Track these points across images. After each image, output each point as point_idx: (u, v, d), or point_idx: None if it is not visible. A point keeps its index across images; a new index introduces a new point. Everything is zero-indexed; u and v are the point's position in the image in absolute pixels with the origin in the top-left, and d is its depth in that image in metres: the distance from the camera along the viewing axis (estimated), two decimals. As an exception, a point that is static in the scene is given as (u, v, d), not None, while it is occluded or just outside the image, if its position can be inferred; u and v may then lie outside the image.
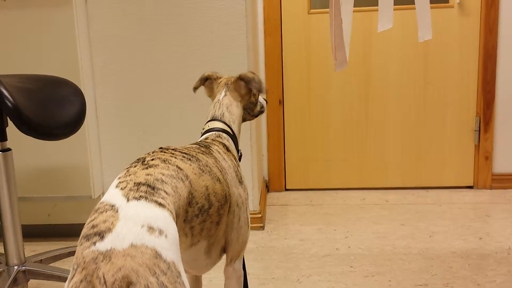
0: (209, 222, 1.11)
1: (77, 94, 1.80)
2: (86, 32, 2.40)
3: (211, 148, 1.26)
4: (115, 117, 2.49)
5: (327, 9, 3.10)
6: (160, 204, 0.87)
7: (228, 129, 1.41)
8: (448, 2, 3.01)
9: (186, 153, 1.13)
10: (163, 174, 0.97)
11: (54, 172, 2.38)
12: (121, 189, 0.89)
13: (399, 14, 3.02)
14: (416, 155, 3.16)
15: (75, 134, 2.14)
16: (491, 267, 2.07)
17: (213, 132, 1.39)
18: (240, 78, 1.46)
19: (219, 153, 1.27)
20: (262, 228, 2.58)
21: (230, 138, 1.39)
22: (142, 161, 1.02)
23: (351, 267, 2.11)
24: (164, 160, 1.03)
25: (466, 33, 3.02)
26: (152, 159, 1.02)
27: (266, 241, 2.42)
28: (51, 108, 1.69)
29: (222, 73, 2.41)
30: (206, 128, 1.41)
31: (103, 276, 0.74)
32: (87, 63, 2.41)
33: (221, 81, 1.52)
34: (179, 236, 0.98)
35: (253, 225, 2.55)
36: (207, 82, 1.55)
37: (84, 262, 0.76)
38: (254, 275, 2.06)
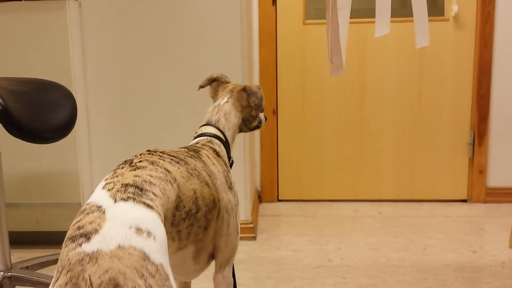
0: (196, 226, 1.09)
1: (68, 98, 1.77)
2: (79, 37, 2.38)
3: (200, 153, 1.25)
4: (106, 123, 2.47)
5: (322, 20, 3.10)
6: (149, 206, 0.85)
7: (221, 135, 1.39)
8: (443, 15, 3.02)
9: (174, 156, 1.10)
10: (151, 176, 0.95)
11: (43, 178, 2.35)
12: (108, 190, 0.87)
13: (395, 26, 3.02)
14: (410, 168, 3.14)
15: (66, 139, 2.10)
16: (485, 280, 2.04)
17: (205, 137, 1.37)
18: (244, 89, 1.44)
19: (209, 157, 1.25)
20: (254, 238, 2.54)
21: (222, 144, 1.37)
22: (129, 162, 0.99)
23: (344, 278, 2.08)
24: (152, 162, 1.01)
25: (461, 46, 3.02)
26: (140, 161, 1.00)
27: (258, 252, 2.38)
28: (42, 111, 1.66)
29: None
30: (199, 132, 1.40)
31: (89, 278, 0.71)
32: (80, 68, 2.38)
33: (227, 86, 1.50)
34: (167, 240, 0.95)
35: (245, 235, 2.52)
36: (214, 83, 1.54)
37: (70, 264, 0.73)
38: (246, 286, 2.02)
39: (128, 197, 0.84)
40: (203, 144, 1.33)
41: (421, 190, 3.15)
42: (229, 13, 2.36)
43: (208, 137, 1.37)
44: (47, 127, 1.63)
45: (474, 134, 3.06)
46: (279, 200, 3.23)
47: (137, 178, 0.91)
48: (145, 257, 0.75)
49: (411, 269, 2.15)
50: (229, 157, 1.40)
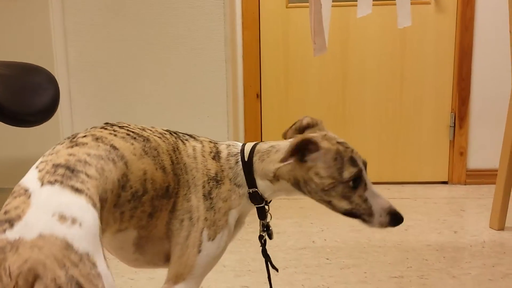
0: (140, 210, 1.01)
1: (51, 81, 1.76)
2: (61, 21, 2.36)
3: (188, 142, 1.14)
4: (89, 107, 2.45)
5: (305, 4, 3.10)
6: (77, 190, 0.81)
7: (246, 155, 1.18)
8: (425, -1, 3.04)
9: (134, 132, 1.03)
10: (89, 155, 0.89)
11: (26, 163, 2.33)
12: (39, 170, 0.84)
13: (377, 10, 3.03)
14: (392, 151, 3.17)
15: (49, 123, 2.08)
16: (466, 260, 2.09)
17: (234, 142, 1.23)
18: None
19: (194, 150, 1.13)
20: (239, 221, 2.56)
21: (239, 161, 1.17)
22: (72, 137, 0.95)
23: (327, 259, 2.11)
24: (97, 138, 0.95)
25: (442, 30, 3.04)
26: (84, 136, 0.95)
27: (243, 234, 2.38)
28: (24, 95, 1.65)
29: (199, 64, 2.39)
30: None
31: (9, 268, 0.70)
32: (62, 52, 2.36)
33: (317, 131, 1.26)
34: (107, 220, 0.92)
35: (230, 218, 2.53)
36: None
37: None
38: (230, 268, 2.04)
39: (55, 180, 0.81)
40: (210, 141, 1.19)
41: (403, 173, 3.19)
42: (212, -4, 2.35)
43: (235, 143, 1.21)
44: (29, 110, 1.62)
45: (454, 117, 3.10)
46: (263, 184, 3.25)
47: (70, 157, 0.87)
48: (68, 246, 0.73)
49: (393, 250, 2.19)
50: (250, 185, 1.17)
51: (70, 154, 0.88)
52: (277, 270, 1.32)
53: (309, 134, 1.16)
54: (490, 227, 2.42)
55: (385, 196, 1.16)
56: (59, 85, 1.81)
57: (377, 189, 1.15)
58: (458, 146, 3.12)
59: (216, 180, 1.14)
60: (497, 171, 2.39)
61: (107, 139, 0.96)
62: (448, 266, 2.02)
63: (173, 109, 2.43)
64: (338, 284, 1.89)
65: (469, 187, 3.10)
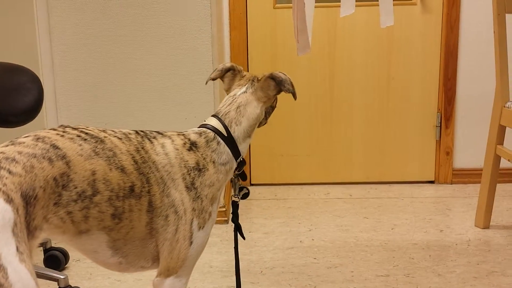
0: (96, 211, 1.01)
1: (34, 81, 1.75)
2: (46, 20, 2.34)
3: (156, 140, 1.15)
4: (75, 107, 2.44)
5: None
6: None
7: (223, 130, 1.24)
8: (411, 0, 3.05)
9: (87, 134, 1.05)
10: (20, 153, 0.93)
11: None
12: None
13: (363, 10, 3.04)
14: (379, 151, 3.19)
15: (35, 125, 2.07)
16: (452, 258, 2.10)
17: (202, 129, 1.25)
18: (271, 77, 1.30)
19: (164, 146, 1.15)
20: (226, 222, 2.56)
21: (220, 141, 1.23)
22: (17, 137, 0.99)
23: (315, 258, 2.11)
24: (39, 138, 0.98)
25: (428, 30, 3.06)
26: (27, 136, 0.99)
27: (230, 235, 2.40)
28: (7, 95, 1.64)
29: (186, 65, 2.39)
30: (203, 122, 1.28)
31: None
32: (47, 52, 2.35)
33: (245, 76, 1.36)
34: (46, 217, 0.94)
35: (218, 219, 2.53)
36: (229, 73, 1.37)
37: None
38: (217, 268, 2.04)
39: None
40: (178, 134, 1.20)
41: (390, 172, 3.20)
42: (198, -4, 2.35)
43: (204, 129, 1.24)
44: (13, 110, 1.61)
45: (441, 117, 3.12)
46: (251, 184, 3.25)
47: None
48: None
49: (380, 249, 2.20)
50: (237, 157, 1.26)
51: (1, 152, 0.92)
52: (244, 238, 1.45)
53: (271, 73, 1.31)
54: (475, 226, 2.43)
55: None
56: (44, 85, 1.80)
57: None
58: (444, 146, 3.14)
59: (198, 169, 1.17)
60: (482, 170, 2.41)
61: (50, 139, 0.99)
62: (434, 265, 2.03)
63: (159, 110, 2.43)
64: (325, 284, 1.90)
65: (455, 186, 3.12)
